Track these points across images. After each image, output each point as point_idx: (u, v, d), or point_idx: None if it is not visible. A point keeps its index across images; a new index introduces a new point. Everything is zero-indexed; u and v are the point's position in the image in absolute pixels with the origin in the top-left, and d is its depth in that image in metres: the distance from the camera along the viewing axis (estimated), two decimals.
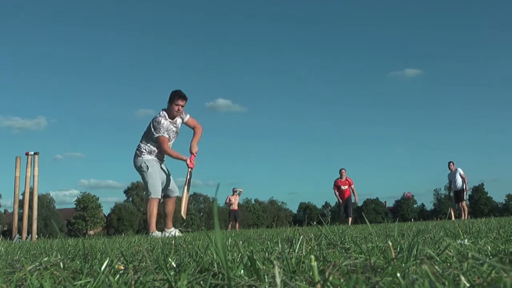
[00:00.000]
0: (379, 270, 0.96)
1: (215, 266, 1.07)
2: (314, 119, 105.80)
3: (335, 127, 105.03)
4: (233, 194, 18.35)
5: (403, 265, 0.98)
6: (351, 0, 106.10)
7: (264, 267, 1.02)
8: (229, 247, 1.90)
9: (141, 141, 6.26)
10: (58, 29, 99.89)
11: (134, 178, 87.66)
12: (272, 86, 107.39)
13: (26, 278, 1.02)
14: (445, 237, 2.04)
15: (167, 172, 6.39)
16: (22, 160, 7.72)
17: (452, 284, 0.75)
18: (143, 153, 6.18)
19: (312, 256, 0.91)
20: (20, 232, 7.38)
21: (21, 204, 7.68)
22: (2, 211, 71.12)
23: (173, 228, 6.27)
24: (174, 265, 1.21)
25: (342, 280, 0.83)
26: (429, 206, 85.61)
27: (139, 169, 6.20)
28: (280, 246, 1.78)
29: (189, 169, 6.27)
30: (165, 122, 6.10)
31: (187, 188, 6.31)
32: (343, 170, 14.06)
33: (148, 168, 6.11)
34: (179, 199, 6.50)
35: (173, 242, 2.38)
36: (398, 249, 1.37)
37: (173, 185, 6.39)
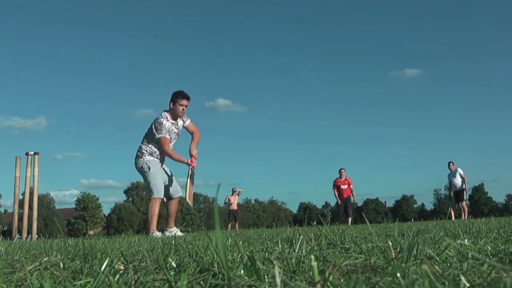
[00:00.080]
0: (379, 270, 0.96)
1: (215, 266, 1.07)
2: (314, 119, 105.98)
3: (335, 127, 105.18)
4: (232, 194, 18.35)
5: (403, 265, 0.98)
6: (351, 0, 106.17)
7: (264, 267, 1.02)
8: (229, 247, 1.90)
9: (142, 142, 6.26)
10: (58, 29, 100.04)
11: (134, 178, 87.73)
12: (272, 86, 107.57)
13: (26, 278, 1.02)
14: (445, 237, 2.04)
15: (168, 173, 6.40)
16: (22, 160, 7.72)
17: (452, 284, 0.75)
18: (144, 154, 6.18)
19: (312, 256, 0.91)
20: (20, 232, 7.38)
21: (21, 204, 7.68)
22: (2, 211, 71.12)
23: (174, 228, 6.28)
24: (174, 265, 1.21)
25: (342, 280, 0.83)
26: (429, 206, 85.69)
27: (141, 170, 6.20)
28: (280, 246, 1.78)
29: (191, 167, 6.26)
30: (167, 123, 6.09)
31: (191, 181, 6.27)
32: (342, 170, 14.08)
33: (149, 169, 6.11)
34: (181, 199, 6.51)
35: (173, 242, 2.38)
36: (398, 249, 1.37)
37: (175, 185, 6.39)
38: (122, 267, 1.18)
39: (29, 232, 7.38)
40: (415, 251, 1.14)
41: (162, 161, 6.32)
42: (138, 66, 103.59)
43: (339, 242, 1.78)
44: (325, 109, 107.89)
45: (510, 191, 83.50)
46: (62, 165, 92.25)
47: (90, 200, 69.01)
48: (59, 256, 1.67)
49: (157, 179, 6.14)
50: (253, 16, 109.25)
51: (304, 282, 0.87)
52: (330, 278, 0.81)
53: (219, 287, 0.91)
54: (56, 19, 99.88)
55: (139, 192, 74.54)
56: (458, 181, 14.42)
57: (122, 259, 1.40)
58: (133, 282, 0.94)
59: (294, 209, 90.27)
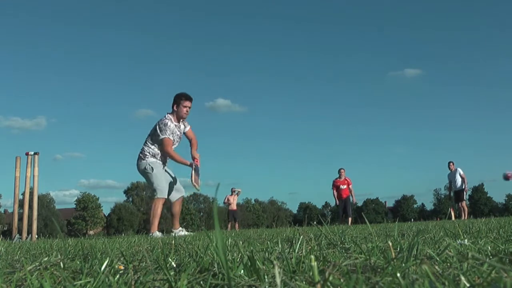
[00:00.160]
0: (379, 270, 0.96)
1: (215, 266, 1.07)
2: (314, 119, 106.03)
3: (335, 127, 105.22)
4: (231, 194, 18.36)
5: (403, 265, 0.98)
6: (351, 0, 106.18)
7: (264, 267, 1.02)
8: (229, 247, 1.90)
9: (144, 144, 6.28)
10: (58, 29, 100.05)
11: (134, 178, 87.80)
12: (272, 86, 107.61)
13: (26, 278, 1.02)
14: (445, 237, 2.04)
15: (172, 174, 6.43)
16: (22, 160, 7.72)
17: (452, 284, 0.75)
18: (147, 156, 6.20)
19: (312, 256, 0.91)
20: (20, 232, 7.38)
21: (21, 204, 7.68)
22: (2, 211, 71.14)
23: (180, 228, 6.32)
24: (174, 265, 1.21)
25: (342, 280, 0.83)
26: (429, 206, 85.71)
27: (144, 171, 6.22)
28: (280, 246, 1.78)
29: (194, 165, 6.25)
30: (171, 124, 6.13)
31: (196, 173, 6.22)
32: (342, 170, 14.09)
33: (153, 170, 6.14)
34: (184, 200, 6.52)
35: (173, 242, 2.38)
36: (398, 249, 1.37)
37: (178, 185, 6.44)
38: (122, 267, 1.18)
39: (29, 232, 7.38)
40: (415, 251, 1.14)
41: (164, 162, 6.34)
42: (138, 66, 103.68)
43: (339, 242, 1.78)
44: (325, 109, 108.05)
45: (510, 191, 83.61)
46: (62, 165, 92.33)
47: (90, 200, 69.02)
48: (59, 256, 1.67)
49: (161, 179, 6.17)
50: (253, 16, 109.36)
51: (304, 282, 0.87)
52: (330, 278, 0.81)
53: (219, 287, 0.91)
54: (56, 19, 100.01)
55: (139, 192, 74.56)
56: (458, 181, 14.43)
57: (122, 259, 1.40)
58: (133, 282, 0.94)
59: (294, 209, 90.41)
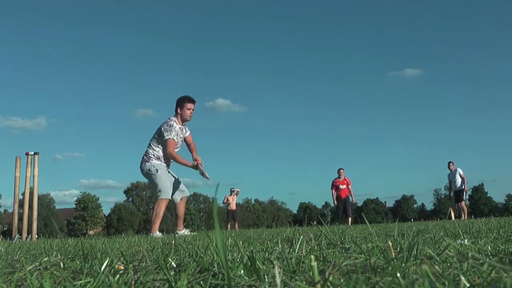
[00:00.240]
0: (379, 270, 0.96)
1: (215, 266, 1.07)
2: (314, 119, 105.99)
3: (335, 127, 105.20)
4: (231, 194, 18.37)
5: (403, 265, 0.98)
6: (351, 0, 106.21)
7: (264, 267, 1.02)
8: (229, 247, 1.90)
9: (148, 147, 6.32)
10: (58, 29, 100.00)
11: (134, 178, 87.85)
12: (272, 86, 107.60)
13: (26, 278, 1.02)
14: (445, 237, 2.04)
15: (175, 176, 6.49)
16: (22, 160, 7.72)
17: (452, 284, 0.75)
18: (151, 159, 6.24)
19: (312, 256, 0.91)
20: (20, 232, 7.38)
21: (21, 204, 7.68)
22: (2, 211, 71.15)
23: (184, 230, 6.34)
24: (174, 265, 1.21)
25: (342, 280, 0.83)
26: (429, 206, 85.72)
27: (148, 173, 6.25)
28: (280, 246, 1.79)
29: (199, 165, 6.28)
30: (176, 126, 6.20)
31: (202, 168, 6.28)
32: (341, 170, 14.07)
33: (157, 171, 6.17)
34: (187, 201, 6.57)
35: (173, 242, 2.38)
36: (398, 249, 1.37)
37: (182, 186, 6.49)
38: (122, 267, 1.18)
39: (29, 232, 7.37)
40: (415, 251, 1.14)
41: (168, 165, 6.40)
42: (138, 66, 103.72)
43: (339, 242, 1.78)
44: (325, 109, 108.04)
45: (510, 191, 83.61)
46: (62, 165, 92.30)
47: (90, 200, 69.02)
48: (59, 256, 1.67)
49: (165, 180, 6.20)
50: (253, 16, 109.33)
51: (304, 282, 0.87)
52: (330, 278, 0.81)
53: (219, 287, 0.91)
54: (56, 19, 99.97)
55: (139, 192, 74.57)
56: (458, 181, 14.43)
57: (122, 259, 1.40)
58: (133, 282, 0.94)
59: (294, 209, 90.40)
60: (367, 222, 2.03)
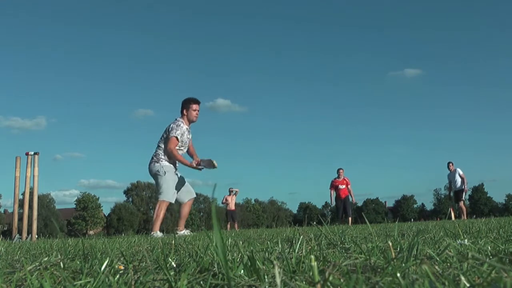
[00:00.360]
0: (379, 270, 0.96)
1: (215, 266, 1.07)
2: (314, 119, 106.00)
3: (335, 127, 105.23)
4: (229, 194, 18.38)
5: (403, 265, 0.98)
6: (351, 0, 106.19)
7: (264, 267, 1.02)
8: (229, 247, 1.90)
9: (158, 148, 6.39)
10: (58, 29, 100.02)
11: (134, 178, 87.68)
12: (272, 86, 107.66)
13: (26, 278, 1.02)
14: (445, 237, 2.04)
15: (182, 177, 6.54)
16: (22, 160, 7.72)
17: (452, 284, 0.75)
18: (161, 160, 6.30)
19: (312, 256, 0.91)
20: (20, 232, 7.38)
21: (21, 204, 7.68)
22: (2, 211, 71.13)
23: (184, 230, 6.37)
24: (174, 265, 1.21)
25: (342, 280, 0.83)
26: (429, 206, 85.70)
27: (156, 174, 6.30)
28: (280, 246, 1.79)
29: (199, 165, 6.34)
30: (183, 126, 6.31)
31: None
32: (340, 170, 14.05)
33: (165, 173, 6.24)
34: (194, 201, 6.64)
35: (173, 242, 2.38)
36: (398, 249, 1.37)
37: (189, 188, 6.55)
38: (122, 267, 1.18)
39: (29, 232, 7.37)
40: (415, 251, 1.14)
41: (176, 167, 6.46)
42: (138, 66, 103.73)
43: (339, 242, 1.78)
44: (325, 109, 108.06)
45: (510, 191, 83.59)
46: (62, 165, 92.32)
47: (90, 200, 69.01)
48: (59, 256, 1.67)
49: (170, 184, 6.27)
50: (253, 16, 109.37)
51: (304, 282, 0.87)
52: (330, 278, 0.81)
53: (219, 287, 0.91)
54: (56, 19, 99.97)
55: (139, 192, 74.55)
56: (458, 181, 14.44)
57: (122, 259, 1.40)
58: (133, 282, 0.94)
59: (294, 209, 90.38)
60: (367, 222, 2.03)
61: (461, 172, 14.48)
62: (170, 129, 6.25)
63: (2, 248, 2.76)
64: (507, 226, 2.87)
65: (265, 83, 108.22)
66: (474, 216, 14.99)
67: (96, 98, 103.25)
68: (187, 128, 6.39)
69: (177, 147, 6.26)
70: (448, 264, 1.03)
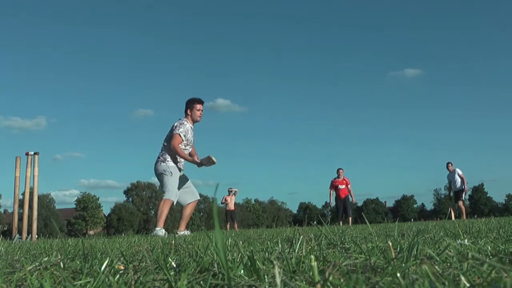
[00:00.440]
0: (379, 270, 0.96)
1: (215, 266, 1.07)
2: (314, 119, 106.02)
3: (335, 127, 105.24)
4: (229, 195, 18.39)
5: (403, 265, 0.98)
6: (351, 0, 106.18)
7: (264, 267, 1.02)
8: (229, 247, 1.90)
9: (164, 148, 6.46)
10: (58, 29, 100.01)
11: (134, 178, 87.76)
12: (272, 86, 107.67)
13: (26, 278, 1.02)
14: (445, 237, 2.04)
15: (187, 178, 6.60)
16: (22, 160, 7.71)
17: (452, 284, 0.75)
18: (167, 160, 6.37)
19: (312, 256, 0.91)
20: (20, 232, 7.38)
21: (21, 204, 7.68)
22: (2, 211, 71.13)
23: (184, 231, 6.38)
24: (174, 265, 1.21)
25: (342, 280, 0.83)
26: (429, 206, 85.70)
27: (162, 172, 6.35)
28: (280, 246, 1.79)
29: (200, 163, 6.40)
30: (187, 125, 6.41)
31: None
32: (340, 170, 14.05)
33: (171, 174, 6.31)
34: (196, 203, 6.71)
35: (173, 242, 2.38)
36: (398, 249, 1.37)
37: (193, 189, 6.61)
38: (122, 267, 1.18)
39: (29, 232, 7.37)
40: (415, 251, 1.14)
41: (181, 169, 6.52)
42: (138, 66, 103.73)
43: (339, 242, 1.78)
44: (325, 109, 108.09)
45: (510, 191, 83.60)
46: (62, 165, 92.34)
47: (90, 200, 68.99)
48: (59, 256, 1.67)
49: (174, 184, 6.33)
50: (253, 16, 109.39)
51: (304, 282, 0.87)
52: (330, 278, 0.81)
53: (219, 287, 0.91)
54: (56, 19, 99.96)
55: (139, 192, 74.55)
56: (457, 181, 14.45)
57: (122, 259, 1.40)
58: (133, 282, 0.94)
59: (294, 209, 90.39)
60: (367, 222, 2.03)
61: (460, 172, 14.49)
62: (174, 128, 6.35)
63: (2, 248, 2.76)
64: (507, 226, 2.87)
65: (265, 83, 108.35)
66: (476, 216, 15.00)
67: (96, 98, 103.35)
68: (191, 127, 6.47)
69: (181, 146, 6.33)
70: (448, 264, 1.03)
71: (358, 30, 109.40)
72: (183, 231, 6.36)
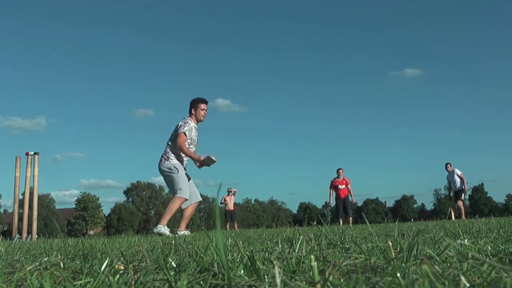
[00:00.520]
0: (379, 270, 0.96)
1: (215, 266, 1.07)
2: (314, 119, 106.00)
3: (335, 127, 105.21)
4: (228, 195, 18.41)
5: (403, 265, 0.98)
6: (351, 0, 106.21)
7: (264, 267, 1.02)
8: (229, 247, 1.90)
9: (168, 147, 6.52)
10: (58, 29, 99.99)
11: (134, 178, 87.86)
12: (272, 86, 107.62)
13: (26, 278, 1.02)
14: (445, 237, 2.04)
15: (190, 179, 6.64)
16: (22, 160, 7.72)
17: (452, 284, 0.75)
18: (171, 158, 6.44)
19: (312, 256, 0.91)
20: (20, 232, 7.38)
21: (21, 204, 7.68)
22: (2, 211, 71.13)
23: (184, 231, 6.40)
24: (174, 265, 1.21)
25: (342, 280, 0.83)
26: (429, 206, 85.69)
27: (168, 170, 6.40)
28: (280, 246, 1.79)
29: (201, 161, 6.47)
30: (191, 123, 6.51)
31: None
32: (340, 170, 14.05)
33: (178, 171, 6.36)
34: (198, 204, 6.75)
35: (173, 242, 2.38)
36: (398, 249, 1.37)
37: (195, 190, 6.65)
38: (122, 267, 1.18)
39: (29, 232, 7.38)
40: (415, 251, 1.14)
41: (185, 165, 6.56)
42: (138, 66, 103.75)
43: (339, 242, 1.78)
44: (325, 109, 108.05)
45: (510, 191, 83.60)
46: (62, 165, 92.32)
47: (90, 200, 69.01)
48: (59, 256, 1.67)
49: (184, 181, 6.39)
50: (253, 16, 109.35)
51: (304, 282, 0.87)
52: (330, 278, 0.81)
53: (219, 287, 0.91)
54: (56, 19, 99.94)
55: (139, 192, 74.57)
56: (457, 181, 14.46)
57: (122, 259, 1.40)
58: (133, 282, 0.94)
59: (294, 209, 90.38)
60: (367, 222, 2.03)
61: (459, 173, 14.49)
62: (178, 127, 6.43)
63: (2, 248, 2.76)
64: (507, 226, 2.87)
65: (265, 83, 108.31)
66: (477, 216, 15.00)
67: (96, 98, 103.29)
68: (195, 126, 6.56)
69: (186, 144, 6.38)
70: (448, 264, 1.03)
71: (358, 30, 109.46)
72: (183, 231, 6.38)
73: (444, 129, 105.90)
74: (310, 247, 1.49)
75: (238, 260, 1.13)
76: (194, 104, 6.64)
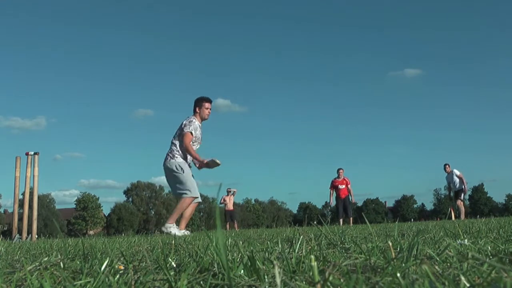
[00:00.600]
0: (379, 270, 0.96)
1: (215, 266, 1.07)
2: (314, 119, 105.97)
3: (335, 127, 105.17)
4: (227, 195, 18.41)
5: (403, 265, 0.98)
6: (351, 0, 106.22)
7: (264, 267, 1.02)
8: (229, 247, 1.90)
9: (173, 145, 6.52)
10: (58, 29, 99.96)
11: (134, 178, 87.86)
12: (272, 86, 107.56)
13: (26, 278, 1.02)
14: (445, 237, 2.04)
15: (193, 177, 6.64)
16: (22, 160, 7.72)
17: (452, 284, 0.75)
18: (176, 157, 6.43)
19: (312, 256, 0.91)
20: (20, 232, 7.38)
21: (21, 204, 7.68)
22: (2, 211, 71.11)
23: (184, 230, 6.41)
24: (174, 265, 1.21)
25: (342, 280, 0.83)
26: (429, 206, 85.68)
27: (174, 170, 6.40)
28: (280, 246, 1.79)
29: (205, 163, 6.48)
30: (196, 122, 6.52)
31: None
32: (340, 170, 14.05)
33: (183, 170, 6.36)
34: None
35: (173, 242, 2.38)
36: (398, 249, 1.37)
37: (197, 190, 6.62)
38: (122, 267, 1.18)
39: (29, 232, 7.38)
40: (415, 251, 1.14)
41: (189, 164, 6.58)
42: (138, 66, 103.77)
43: (339, 242, 1.78)
44: (325, 109, 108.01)
45: (510, 191, 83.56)
46: (62, 165, 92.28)
47: (90, 200, 69.01)
48: (59, 256, 1.67)
49: (191, 179, 6.40)
50: (253, 16, 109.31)
51: (304, 282, 0.87)
52: (330, 278, 0.81)
53: (219, 287, 0.91)
54: (56, 19, 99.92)
55: (139, 192, 74.57)
56: (456, 182, 14.46)
57: (122, 259, 1.40)
58: (133, 282, 0.94)
59: (294, 209, 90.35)
60: (367, 222, 2.03)
61: (458, 173, 14.49)
62: (183, 126, 6.43)
63: (2, 248, 2.76)
64: (507, 226, 2.87)
65: (265, 83, 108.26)
66: (478, 216, 14.98)
67: (96, 98, 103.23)
68: (199, 125, 6.58)
69: (191, 142, 6.40)
70: (448, 264, 1.03)
71: (358, 30, 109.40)
72: (183, 231, 6.38)
73: (444, 129, 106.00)
74: (310, 247, 1.49)
75: (238, 260, 1.13)
76: (199, 102, 6.66)
